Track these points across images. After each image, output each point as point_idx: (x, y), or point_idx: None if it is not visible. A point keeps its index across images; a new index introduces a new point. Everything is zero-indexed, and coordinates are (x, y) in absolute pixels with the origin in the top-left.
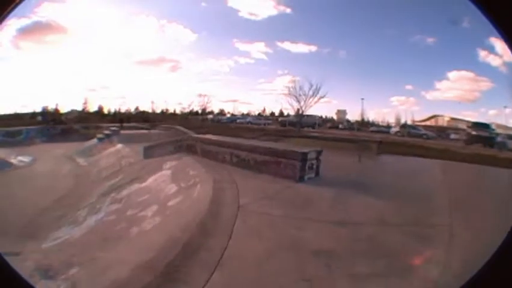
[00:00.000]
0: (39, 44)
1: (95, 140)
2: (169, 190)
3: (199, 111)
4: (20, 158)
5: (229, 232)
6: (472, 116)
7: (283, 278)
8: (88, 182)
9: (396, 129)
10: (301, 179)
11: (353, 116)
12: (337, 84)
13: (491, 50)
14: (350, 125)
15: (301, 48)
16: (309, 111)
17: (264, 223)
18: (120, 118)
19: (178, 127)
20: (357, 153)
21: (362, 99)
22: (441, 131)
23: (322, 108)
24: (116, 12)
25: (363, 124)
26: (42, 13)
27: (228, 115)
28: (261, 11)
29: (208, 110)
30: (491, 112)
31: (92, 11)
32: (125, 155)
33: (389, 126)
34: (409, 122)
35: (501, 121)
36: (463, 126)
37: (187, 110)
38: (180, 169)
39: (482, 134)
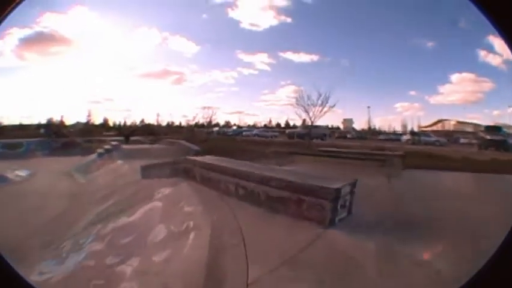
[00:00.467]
0: (43, 55)
1: (95, 155)
2: (157, 234)
3: (205, 124)
4: (17, 172)
5: None
6: (477, 118)
7: None
8: (80, 204)
9: (407, 137)
10: (331, 223)
11: (358, 124)
12: (340, 92)
13: (490, 49)
14: (359, 134)
15: (303, 57)
16: (316, 122)
17: None
18: (125, 133)
19: (181, 141)
20: (384, 171)
21: (368, 107)
22: (449, 136)
23: (327, 117)
24: (119, 24)
25: (371, 132)
26: (45, 24)
27: (234, 127)
28: (262, 22)
29: (213, 122)
30: (495, 113)
31: (96, 23)
32: (123, 173)
33: (396, 133)
34: (415, 128)
35: (505, 121)
36: (470, 129)
37: (192, 123)
38: (174, 202)
39: (496, 138)
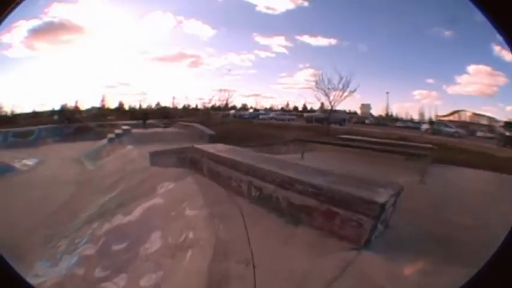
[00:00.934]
0: (54, 44)
1: (105, 141)
2: (150, 246)
3: (221, 106)
4: (24, 161)
5: None
6: (491, 111)
7: None
8: (86, 192)
9: (426, 126)
10: (367, 244)
11: (375, 110)
12: (358, 77)
13: (503, 45)
14: (377, 121)
15: (321, 41)
16: (336, 107)
17: None
18: (140, 117)
19: (195, 125)
20: (412, 166)
21: (387, 92)
22: (465, 127)
23: (344, 102)
24: (133, 9)
25: (389, 119)
26: (56, 13)
27: (251, 110)
28: (278, 5)
29: (230, 105)
30: (509, 108)
31: (110, 10)
32: (132, 159)
33: (413, 122)
34: (433, 117)
35: None
36: (485, 122)
37: (208, 105)
38: (176, 200)
39: None
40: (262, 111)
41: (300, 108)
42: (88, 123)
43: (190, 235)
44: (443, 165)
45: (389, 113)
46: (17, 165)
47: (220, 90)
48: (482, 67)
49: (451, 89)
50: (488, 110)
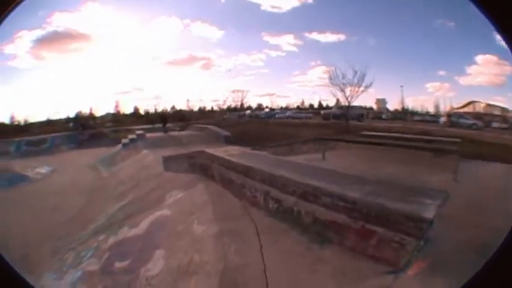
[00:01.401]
0: (64, 53)
1: (119, 146)
2: (154, 264)
3: (237, 107)
4: (37, 169)
5: None
6: (501, 101)
7: None
8: (98, 200)
9: (444, 119)
10: (407, 266)
11: (391, 104)
12: (370, 72)
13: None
14: (394, 115)
15: (329, 37)
16: (353, 102)
17: None
18: (158, 120)
19: (210, 127)
20: (441, 163)
21: (401, 86)
22: (480, 118)
23: (359, 97)
24: (138, 16)
25: (406, 113)
26: (62, 22)
27: (266, 109)
28: (283, 3)
29: (245, 105)
30: None
31: (114, 18)
32: (146, 165)
33: (430, 115)
34: (448, 109)
35: None
36: (498, 112)
37: (223, 107)
38: (183, 214)
39: None
40: (278, 110)
41: (315, 106)
42: (102, 129)
43: (196, 257)
44: (469, 159)
45: (405, 107)
46: (30, 174)
47: (234, 91)
48: (489, 56)
49: (463, 80)
50: (499, 100)
